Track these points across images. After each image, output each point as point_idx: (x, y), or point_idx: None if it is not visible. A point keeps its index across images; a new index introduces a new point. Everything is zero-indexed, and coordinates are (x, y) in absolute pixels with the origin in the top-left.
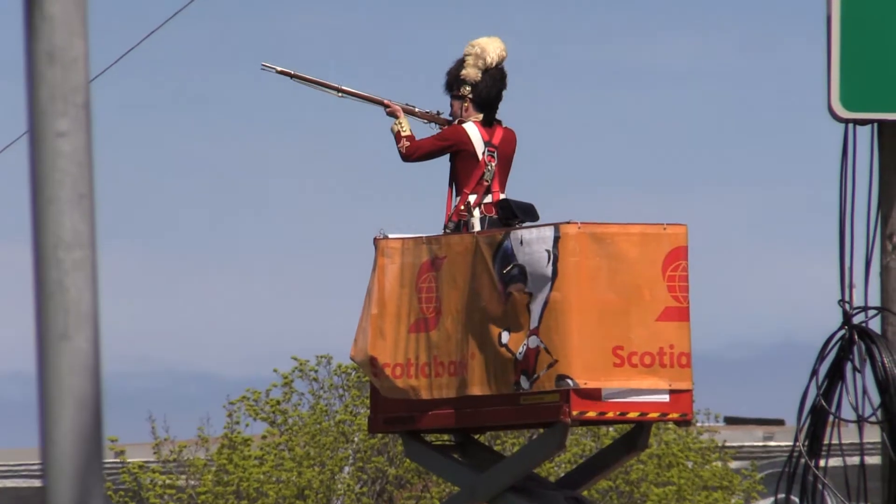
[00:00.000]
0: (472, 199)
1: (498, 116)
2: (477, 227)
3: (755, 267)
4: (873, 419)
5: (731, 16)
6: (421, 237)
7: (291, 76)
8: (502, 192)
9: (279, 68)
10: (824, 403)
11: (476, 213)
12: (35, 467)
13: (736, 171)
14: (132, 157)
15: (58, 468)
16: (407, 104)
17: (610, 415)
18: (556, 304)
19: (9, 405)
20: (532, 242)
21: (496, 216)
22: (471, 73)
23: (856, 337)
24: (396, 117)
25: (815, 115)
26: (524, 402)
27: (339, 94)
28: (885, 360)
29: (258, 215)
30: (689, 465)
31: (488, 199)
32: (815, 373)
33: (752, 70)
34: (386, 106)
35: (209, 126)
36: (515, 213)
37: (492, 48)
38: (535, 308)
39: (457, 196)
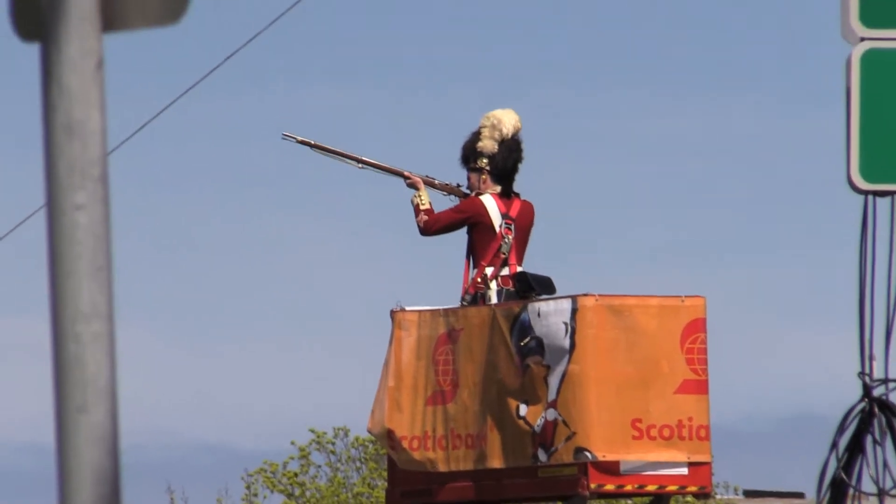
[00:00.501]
0: (489, 271)
1: (516, 189)
2: (494, 300)
3: (770, 338)
4: (894, 492)
5: (750, 85)
6: (438, 309)
7: (312, 146)
8: (519, 264)
9: (300, 138)
10: (844, 476)
11: (493, 285)
12: None
13: (753, 243)
14: (149, 230)
15: None
16: (427, 176)
17: (628, 487)
18: (574, 377)
19: (23, 476)
20: (549, 315)
21: (513, 289)
22: (487, 144)
23: (876, 409)
24: (416, 189)
25: (834, 187)
26: (542, 474)
27: (359, 165)
28: None
29: (275, 287)
30: None
31: (505, 271)
32: (834, 445)
33: (770, 141)
34: (406, 177)
35: (225, 198)
36: (532, 286)
37: (507, 119)
38: (553, 381)
39: (474, 268)
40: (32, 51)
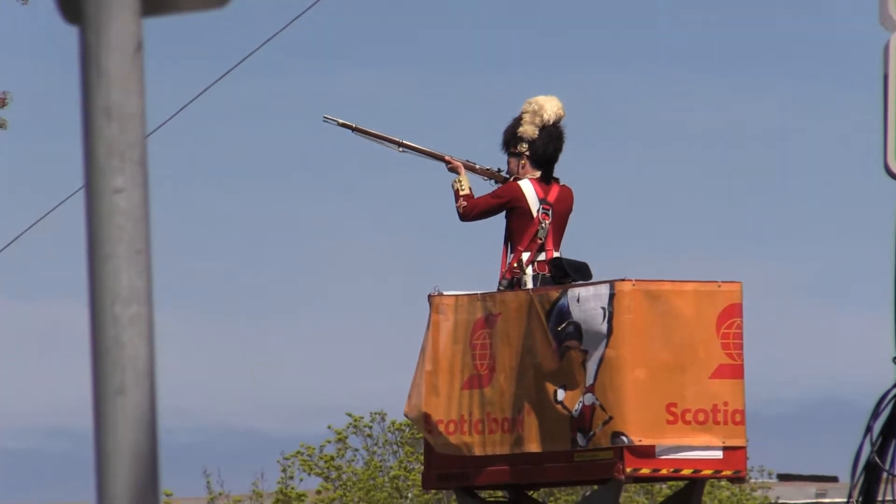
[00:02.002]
0: (525, 256)
1: (556, 174)
2: (529, 285)
3: (807, 324)
4: None
5: (788, 74)
6: (475, 294)
7: (353, 129)
8: (556, 250)
9: (341, 121)
10: (878, 460)
11: (529, 270)
12: None
13: (789, 230)
14: (187, 214)
15: None
16: (467, 160)
17: (664, 471)
18: (612, 362)
19: (52, 458)
20: (588, 300)
21: (549, 274)
22: (528, 130)
23: None
24: (457, 174)
25: (870, 173)
26: (578, 458)
27: (400, 149)
28: None
29: (312, 272)
30: None
31: (542, 256)
32: (869, 429)
33: (807, 129)
34: (447, 162)
35: (263, 182)
36: (568, 272)
37: (549, 106)
38: (591, 365)
39: (511, 253)
40: (72, 34)
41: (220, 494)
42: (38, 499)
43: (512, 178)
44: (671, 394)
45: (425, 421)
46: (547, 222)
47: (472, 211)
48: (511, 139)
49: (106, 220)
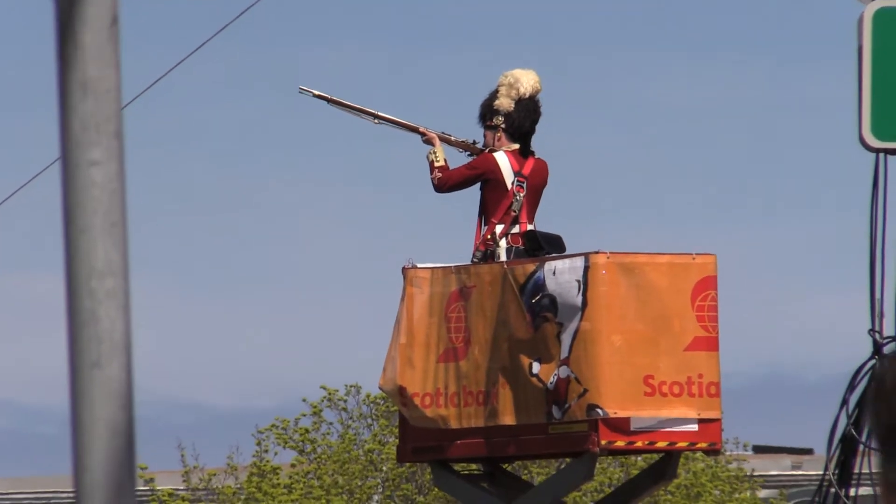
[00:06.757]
0: (498, 229)
1: (532, 147)
2: (503, 258)
3: (781, 296)
4: None
5: (760, 48)
6: (450, 266)
7: (328, 101)
8: (530, 222)
9: (316, 92)
10: (854, 432)
11: (502, 243)
12: (65, 495)
13: (765, 202)
14: (163, 187)
15: (90, 495)
16: (443, 132)
17: (639, 444)
18: (586, 334)
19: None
20: (563, 272)
21: (522, 247)
22: (504, 103)
23: None
24: (432, 145)
25: (845, 145)
26: (553, 431)
27: (376, 121)
28: None
29: (287, 245)
30: (717, 493)
31: (515, 229)
32: (845, 402)
33: (781, 101)
34: (422, 134)
35: (238, 154)
36: (542, 245)
37: (525, 79)
38: (566, 338)
39: (485, 226)
40: (48, 8)
41: (194, 468)
42: None
43: (487, 150)
44: (647, 366)
45: (400, 394)
46: (521, 195)
47: (446, 182)
48: (487, 112)
49: (82, 192)
